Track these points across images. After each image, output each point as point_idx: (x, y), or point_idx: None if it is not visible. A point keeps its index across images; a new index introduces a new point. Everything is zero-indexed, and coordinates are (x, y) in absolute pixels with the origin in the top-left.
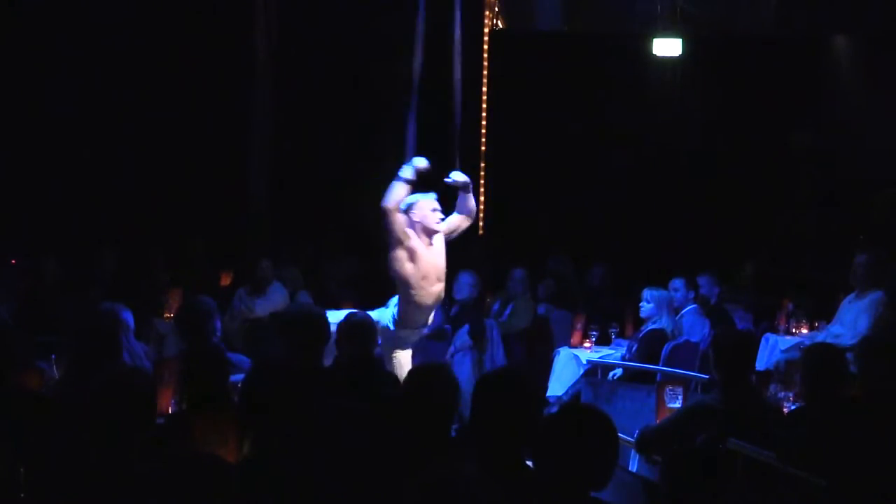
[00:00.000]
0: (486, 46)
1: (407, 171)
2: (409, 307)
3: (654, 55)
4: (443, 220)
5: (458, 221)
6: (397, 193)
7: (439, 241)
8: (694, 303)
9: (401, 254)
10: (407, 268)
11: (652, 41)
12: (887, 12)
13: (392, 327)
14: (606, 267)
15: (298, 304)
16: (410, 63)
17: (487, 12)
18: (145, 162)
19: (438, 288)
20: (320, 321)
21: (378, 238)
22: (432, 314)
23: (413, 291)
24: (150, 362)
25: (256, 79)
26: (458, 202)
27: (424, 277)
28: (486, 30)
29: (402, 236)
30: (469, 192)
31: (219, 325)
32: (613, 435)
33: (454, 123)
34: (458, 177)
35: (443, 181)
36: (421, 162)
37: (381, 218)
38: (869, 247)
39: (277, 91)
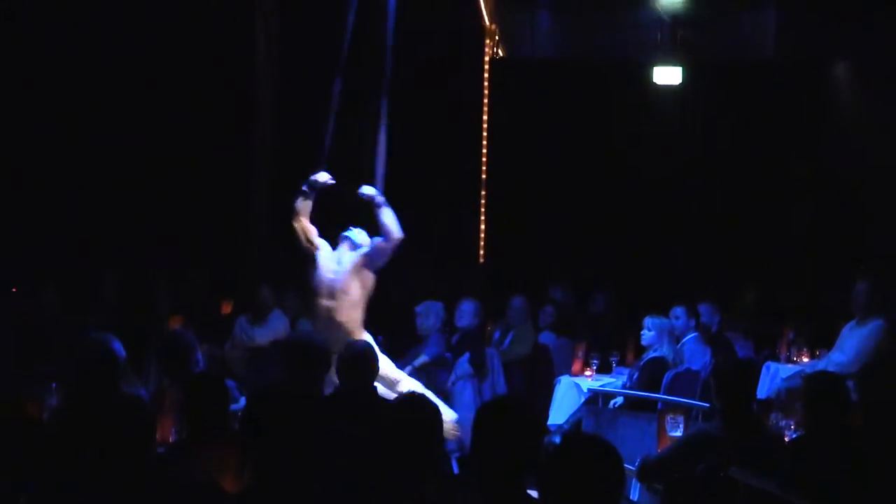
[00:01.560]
0: (486, 74)
1: (305, 186)
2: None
3: (655, 83)
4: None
5: (380, 245)
6: (296, 207)
7: (345, 264)
8: (695, 331)
9: (310, 264)
10: (312, 275)
11: (652, 69)
12: (887, 39)
13: None
14: (609, 294)
15: (299, 333)
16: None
17: (488, 40)
18: (146, 189)
19: (327, 303)
20: (321, 350)
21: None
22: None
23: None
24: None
25: (258, 106)
26: (378, 223)
27: (317, 286)
28: (487, 58)
29: (305, 245)
30: (382, 208)
31: (200, 357)
32: (619, 465)
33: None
34: (366, 191)
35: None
36: (322, 176)
37: None
38: (869, 274)
39: (279, 119)
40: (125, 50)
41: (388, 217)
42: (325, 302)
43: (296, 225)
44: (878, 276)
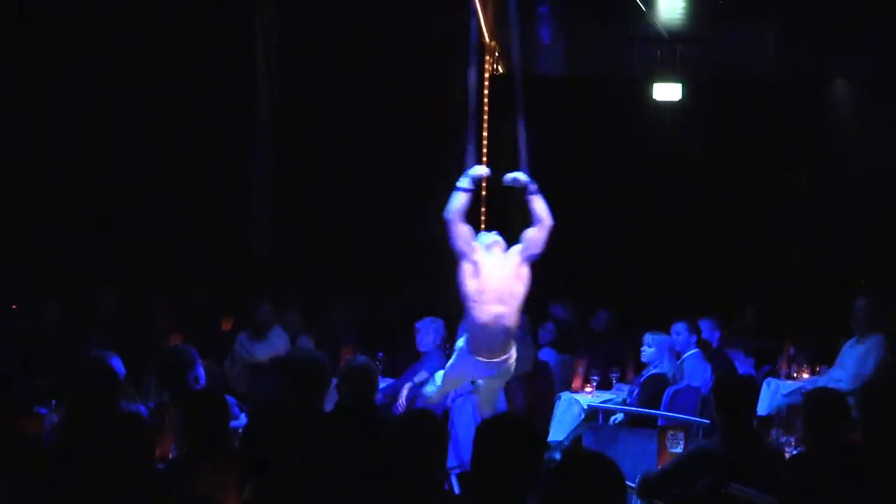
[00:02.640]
0: (486, 91)
1: (464, 182)
2: (469, 325)
3: (655, 100)
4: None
5: (532, 234)
6: (455, 203)
7: (509, 262)
8: (696, 347)
9: (466, 266)
10: (469, 282)
11: (652, 86)
12: (886, 56)
13: (460, 354)
14: (609, 311)
15: (300, 349)
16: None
17: (488, 57)
18: (146, 206)
19: (497, 310)
20: (322, 366)
21: (379, 283)
22: (504, 349)
23: (471, 306)
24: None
25: (257, 123)
26: (531, 210)
27: (482, 292)
28: (487, 74)
29: (464, 248)
30: (535, 195)
31: (202, 372)
32: (620, 482)
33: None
34: (519, 177)
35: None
36: (479, 170)
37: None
38: (869, 291)
39: (278, 135)
40: (125, 69)
41: (541, 204)
42: (492, 308)
43: (455, 226)
44: (877, 293)
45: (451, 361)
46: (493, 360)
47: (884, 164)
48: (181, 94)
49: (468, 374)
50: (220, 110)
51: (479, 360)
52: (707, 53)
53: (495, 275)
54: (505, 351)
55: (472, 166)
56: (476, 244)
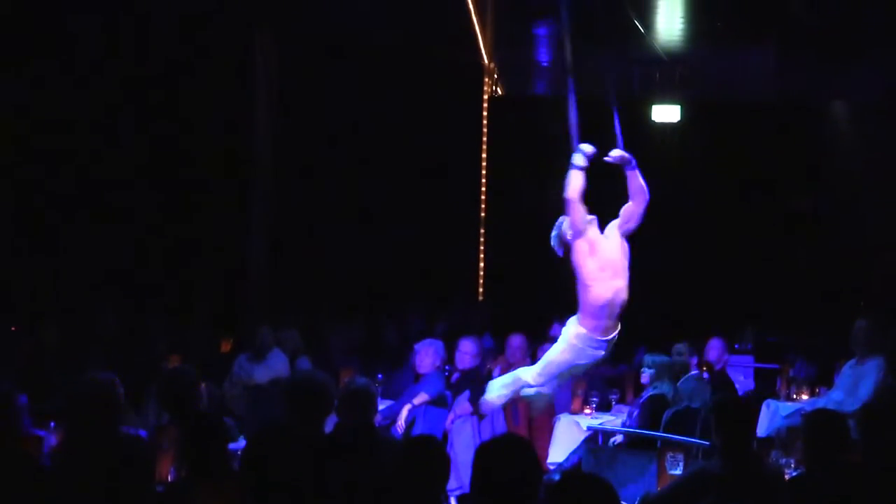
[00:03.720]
0: (485, 113)
1: (578, 159)
2: (588, 307)
3: (653, 121)
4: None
5: (630, 209)
6: (574, 182)
7: (613, 237)
8: (696, 368)
9: (581, 246)
10: (587, 261)
11: (651, 107)
12: (885, 79)
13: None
14: None
15: (301, 371)
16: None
17: (486, 79)
18: (146, 227)
19: (617, 284)
20: (323, 388)
21: (378, 304)
22: (615, 328)
23: (591, 285)
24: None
25: (257, 146)
26: (629, 186)
27: (602, 269)
28: (486, 96)
29: (583, 226)
30: (634, 169)
31: (203, 394)
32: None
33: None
34: (615, 153)
35: (604, 161)
36: (588, 147)
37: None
38: (869, 312)
39: (278, 157)
40: (123, 93)
41: (638, 178)
42: (613, 282)
43: (576, 205)
44: (877, 315)
45: (558, 352)
46: (609, 338)
47: (883, 185)
48: (180, 117)
49: (581, 359)
50: (219, 134)
51: (599, 340)
52: (706, 75)
53: (609, 249)
54: (617, 327)
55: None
56: (593, 221)
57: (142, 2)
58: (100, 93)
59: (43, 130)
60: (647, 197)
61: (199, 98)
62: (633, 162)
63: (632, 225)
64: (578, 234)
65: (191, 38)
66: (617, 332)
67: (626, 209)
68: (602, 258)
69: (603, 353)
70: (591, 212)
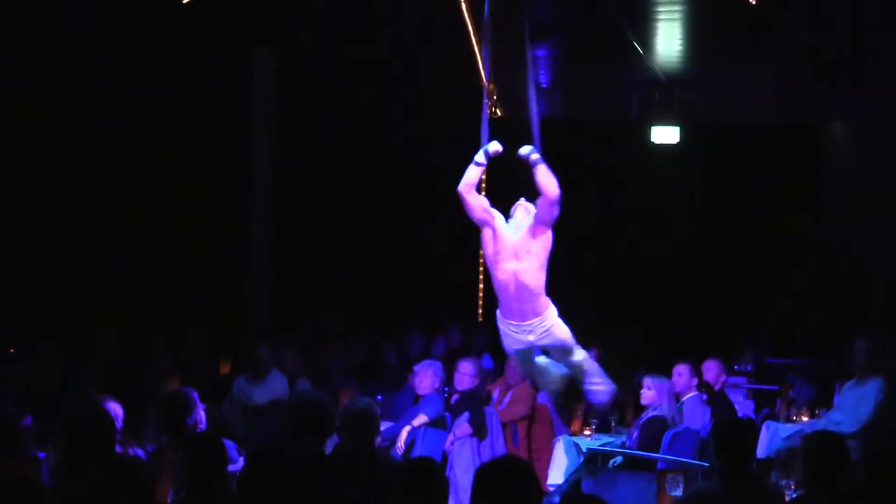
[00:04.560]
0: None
1: (480, 156)
2: (497, 293)
3: (653, 143)
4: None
5: (540, 202)
6: (469, 176)
7: (523, 226)
8: (696, 389)
9: (486, 234)
10: (488, 248)
11: (650, 129)
12: (884, 100)
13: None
14: (608, 353)
15: (300, 392)
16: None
17: (486, 100)
18: (145, 249)
19: (513, 266)
20: (322, 410)
21: (378, 325)
22: (533, 310)
23: (492, 269)
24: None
25: (256, 168)
26: (537, 180)
27: (498, 253)
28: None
29: (482, 216)
30: (537, 165)
31: (202, 416)
32: None
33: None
34: (522, 150)
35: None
36: (493, 146)
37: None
38: (868, 333)
39: (277, 180)
40: (123, 118)
41: (544, 173)
42: (509, 265)
43: (468, 197)
44: (876, 335)
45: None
46: (525, 324)
47: (882, 206)
48: (180, 140)
49: (513, 344)
50: (219, 153)
51: (513, 324)
52: (705, 96)
53: (511, 232)
54: (535, 312)
55: (487, 143)
56: (494, 211)
57: (142, 23)
58: (99, 117)
59: (42, 155)
60: (556, 192)
61: (198, 122)
62: (537, 157)
63: (545, 217)
64: (481, 224)
65: (190, 58)
66: (539, 322)
67: (538, 202)
68: (500, 244)
69: (530, 337)
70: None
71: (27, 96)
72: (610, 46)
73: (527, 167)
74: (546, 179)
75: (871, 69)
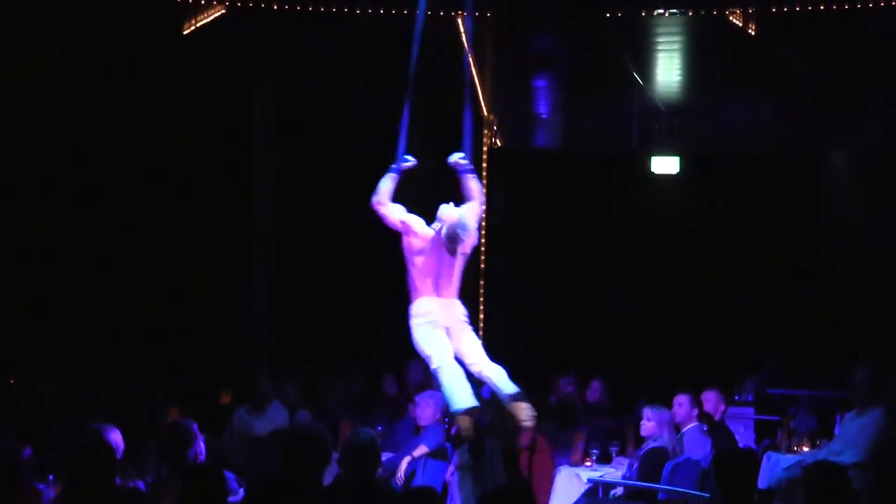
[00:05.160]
0: (484, 164)
1: (394, 168)
2: (412, 279)
3: (653, 173)
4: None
5: (472, 211)
6: (382, 188)
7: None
8: (697, 420)
9: (406, 242)
10: (413, 243)
11: (650, 159)
12: (884, 130)
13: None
14: (609, 383)
15: (298, 423)
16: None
17: (486, 131)
18: (146, 279)
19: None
20: (322, 440)
21: (378, 357)
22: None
23: (410, 258)
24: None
25: (257, 199)
26: (464, 188)
27: (423, 246)
28: (485, 148)
29: (399, 225)
30: (468, 174)
31: (202, 447)
32: None
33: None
34: (453, 158)
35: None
36: (408, 160)
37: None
38: (868, 362)
39: (278, 211)
40: (123, 148)
41: (475, 184)
42: (439, 267)
43: (381, 209)
44: (877, 366)
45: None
46: (445, 299)
47: (883, 236)
48: (181, 172)
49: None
50: (218, 184)
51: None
52: (705, 127)
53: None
54: (452, 294)
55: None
56: (413, 216)
57: (142, 57)
58: (100, 149)
59: (42, 189)
60: (483, 200)
61: (199, 156)
62: (468, 166)
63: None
64: (404, 232)
65: (191, 88)
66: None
67: (469, 207)
68: (422, 238)
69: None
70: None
71: (26, 130)
72: (610, 77)
73: (455, 174)
74: (478, 188)
75: (869, 99)
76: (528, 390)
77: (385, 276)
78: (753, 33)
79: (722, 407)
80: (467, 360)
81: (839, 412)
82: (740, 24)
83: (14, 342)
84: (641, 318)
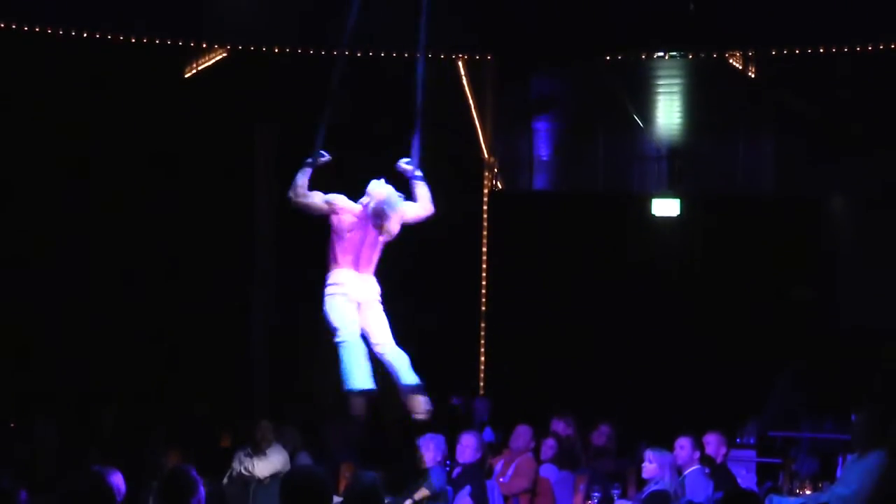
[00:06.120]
0: (485, 207)
1: (309, 163)
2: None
3: (654, 215)
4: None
5: (415, 210)
6: (299, 182)
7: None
8: (699, 462)
9: (335, 220)
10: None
11: (651, 201)
12: (883, 173)
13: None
14: (611, 426)
15: (301, 466)
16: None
17: (487, 173)
18: (147, 323)
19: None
20: (322, 484)
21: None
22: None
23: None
24: None
25: (258, 241)
26: (414, 193)
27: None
28: (486, 190)
29: (324, 210)
30: (417, 181)
31: (203, 494)
32: None
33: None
34: (403, 164)
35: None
36: (323, 155)
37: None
38: (870, 405)
39: (279, 251)
40: (124, 190)
41: (423, 190)
42: (363, 242)
43: (302, 200)
44: (878, 408)
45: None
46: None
47: (884, 279)
48: (183, 214)
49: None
50: (220, 230)
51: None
52: (705, 169)
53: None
54: (369, 271)
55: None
56: (335, 195)
57: (144, 99)
58: (99, 192)
59: (40, 233)
60: (430, 212)
61: (200, 199)
62: (418, 174)
63: (410, 222)
64: (330, 214)
65: (192, 129)
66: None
67: (410, 207)
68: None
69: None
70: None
71: (29, 176)
72: (611, 119)
73: (404, 180)
74: (426, 195)
75: (868, 142)
76: (533, 427)
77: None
78: (753, 76)
79: (723, 449)
80: (373, 339)
81: (841, 454)
82: (740, 67)
83: (14, 385)
84: (642, 360)
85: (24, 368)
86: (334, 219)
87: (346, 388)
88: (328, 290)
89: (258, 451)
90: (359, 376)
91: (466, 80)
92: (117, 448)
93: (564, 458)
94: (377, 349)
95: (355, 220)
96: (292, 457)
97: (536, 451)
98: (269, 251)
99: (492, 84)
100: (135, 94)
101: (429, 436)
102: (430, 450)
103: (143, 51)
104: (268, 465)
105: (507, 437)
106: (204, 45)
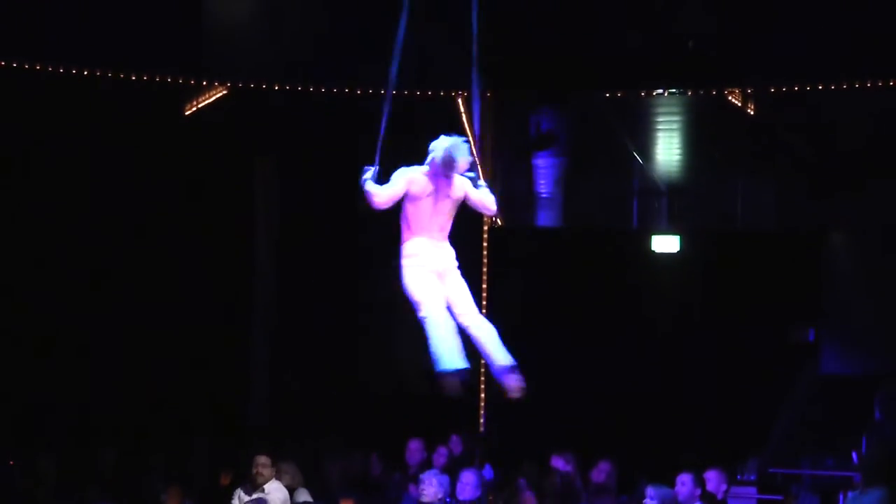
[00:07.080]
0: (485, 243)
1: (368, 174)
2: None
3: (653, 251)
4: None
5: (484, 196)
6: (373, 190)
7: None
8: (700, 499)
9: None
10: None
11: (651, 238)
12: (883, 211)
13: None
14: (611, 463)
15: (300, 503)
16: None
17: None
18: (146, 359)
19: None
20: None
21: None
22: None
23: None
24: None
25: (257, 275)
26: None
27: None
28: (486, 227)
29: (403, 188)
30: (483, 187)
31: None
32: None
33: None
34: (467, 174)
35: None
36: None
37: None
38: (870, 443)
39: (280, 284)
40: (125, 221)
41: (487, 192)
42: (434, 207)
43: (384, 202)
44: (878, 445)
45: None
46: (438, 241)
47: (883, 316)
48: (182, 248)
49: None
50: (219, 259)
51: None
52: (704, 206)
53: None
54: (443, 238)
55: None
56: (401, 176)
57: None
58: (98, 226)
59: (39, 264)
60: (496, 209)
61: (199, 233)
62: (482, 181)
63: (475, 203)
64: (405, 198)
65: (192, 165)
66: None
67: (475, 201)
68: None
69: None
70: None
71: (29, 210)
72: (610, 156)
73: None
74: (489, 198)
75: (868, 180)
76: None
77: (387, 352)
78: (752, 113)
79: (724, 486)
80: (456, 310)
81: (842, 491)
82: (739, 104)
83: (14, 422)
84: (642, 396)
85: (25, 404)
86: (409, 194)
87: (438, 369)
88: (404, 261)
89: (257, 487)
90: (450, 356)
91: (466, 116)
92: (117, 485)
93: (564, 496)
94: (461, 320)
95: (426, 180)
96: (292, 493)
97: (537, 488)
98: (269, 287)
99: (491, 121)
100: (135, 131)
101: (431, 472)
102: (432, 486)
103: (143, 89)
104: (267, 502)
105: (507, 475)
106: (204, 84)
